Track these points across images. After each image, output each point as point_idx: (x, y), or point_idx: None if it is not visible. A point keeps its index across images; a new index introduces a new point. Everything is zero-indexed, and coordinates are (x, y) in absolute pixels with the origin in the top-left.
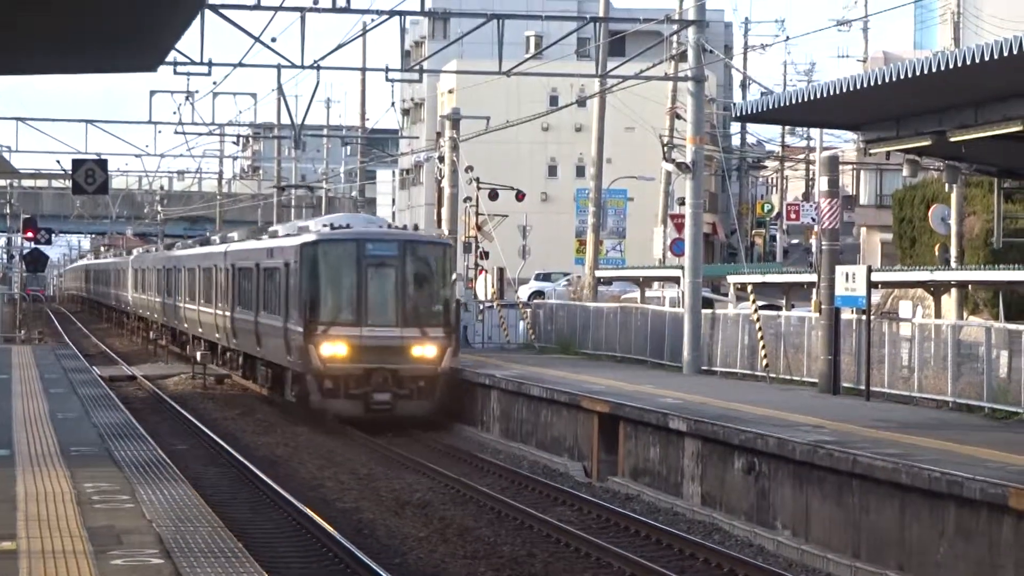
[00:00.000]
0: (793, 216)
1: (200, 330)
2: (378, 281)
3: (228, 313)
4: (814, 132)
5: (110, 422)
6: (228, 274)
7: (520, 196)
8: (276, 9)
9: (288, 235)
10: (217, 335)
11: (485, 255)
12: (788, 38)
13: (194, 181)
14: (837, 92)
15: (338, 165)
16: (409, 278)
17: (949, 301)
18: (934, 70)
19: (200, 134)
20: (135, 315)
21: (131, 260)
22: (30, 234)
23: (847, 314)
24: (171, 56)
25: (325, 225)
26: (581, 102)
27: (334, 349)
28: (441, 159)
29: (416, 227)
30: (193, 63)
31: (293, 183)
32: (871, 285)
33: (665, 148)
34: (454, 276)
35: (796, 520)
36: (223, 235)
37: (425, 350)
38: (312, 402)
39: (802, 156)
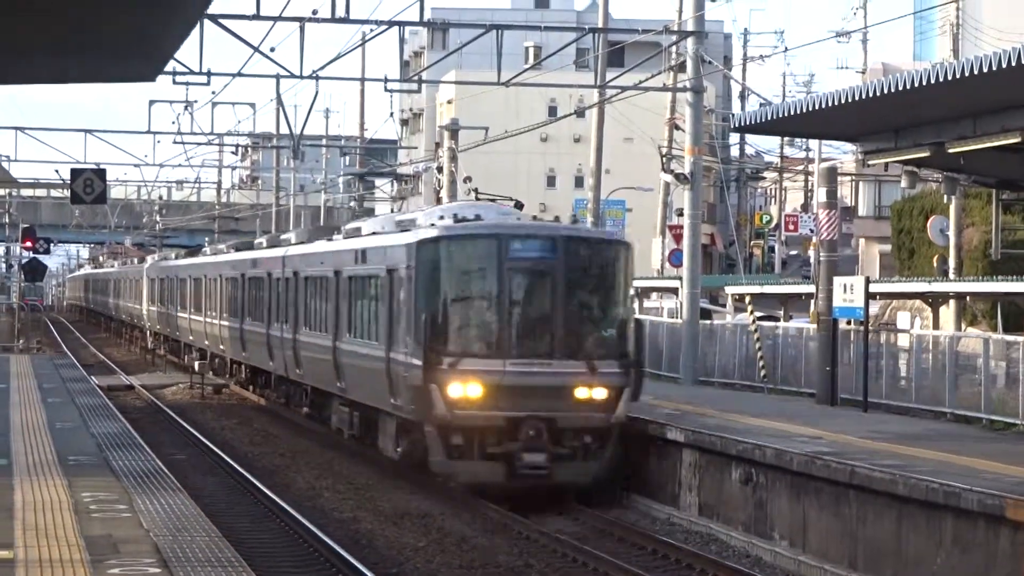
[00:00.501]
0: (791, 227)
1: (244, 354)
2: (528, 295)
3: (288, 335)
4: (813, 143)
5: (108, 431)
6: (288, 285)
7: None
8: (275, 19)
9: (386, 231)
10: (272, 363)
11: None
12: (787, 49)
13: (193, 191)
14: (836, 103)
15: (337, 175)
16: (572, 290)
17: (947, 312)
18: (933, 82)
19: (199, 144)
20: (152, 332)
21: (146, 268)
22: (29, 244)
23: (845, 325)
24: (170, 66)
25: (443, 216)
26: (580, 113)
27: (466, 391)
28: (440, 169)
29: (574, 219)
30: (192, 73)
31: (343, 177)
32: (869, 296)
33: (664, 159)
34: (632, 288)
35: (793, 531)
36: (273, 237)
37: (594, 392)
38: (433, 464)
39: (801, 167)
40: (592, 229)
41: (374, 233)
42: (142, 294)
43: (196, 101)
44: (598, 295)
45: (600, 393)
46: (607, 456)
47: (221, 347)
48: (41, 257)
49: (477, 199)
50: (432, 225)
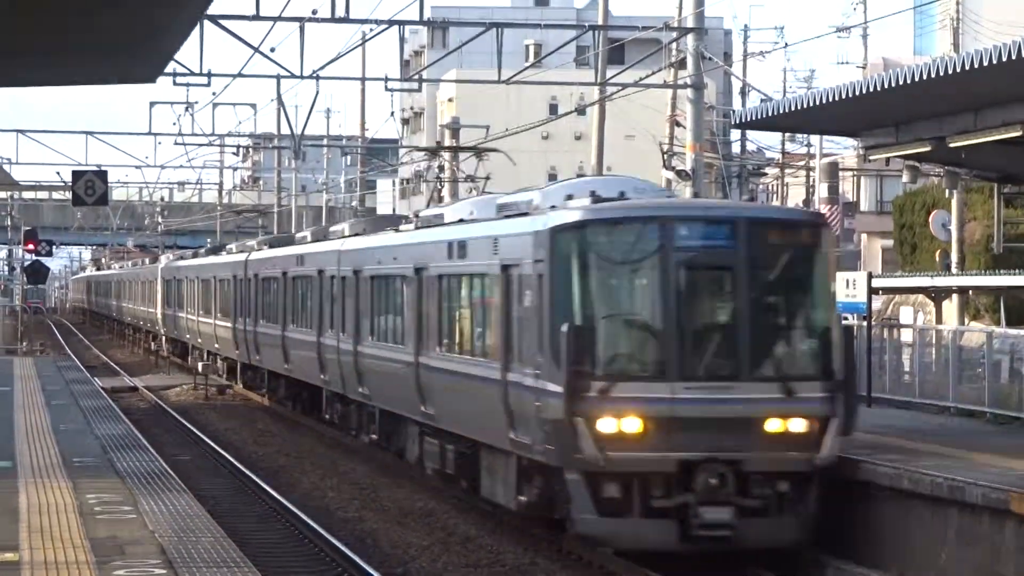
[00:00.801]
0: None
1: (287, 366)
2: (702, 296)
3: (347, 346)
4: (814, 139)
5: (112, 433)
6: (347, 285)
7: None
8: (275, 19)
9: (485, 218)
10: (324, 377)
11: None
12: (787, 45)
13: (194, 192)
14: (837, 99)
15: (338, 175)
16: (760, 289)
17: (950, 307)
18: (933, 76)
19: (200, 145)
20: (167, 338)
21: (160, 269)
22: (31, 246)
23: (848, 320)
24: (170, 67)
25: (571, 195)
26: (581, 110)
27: (622, 425)
28: (441, 168)
29: (751, 197)
30: (192, 74)
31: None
32: (872, 291)
33: (665, 156)
34: (834, 285)
35: None
36: (320, 229)
37: (792, 424)
38: (578, 522)
39: (802, 163)
40: (781, 208)
41: (461, 221)
42: (155, 297)
43: (197, 102)
44: (794, 294)
45: (800, 425)
46: (810, 509)
47: (257, 357)
48: (43, 259)
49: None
50: (576, 206)
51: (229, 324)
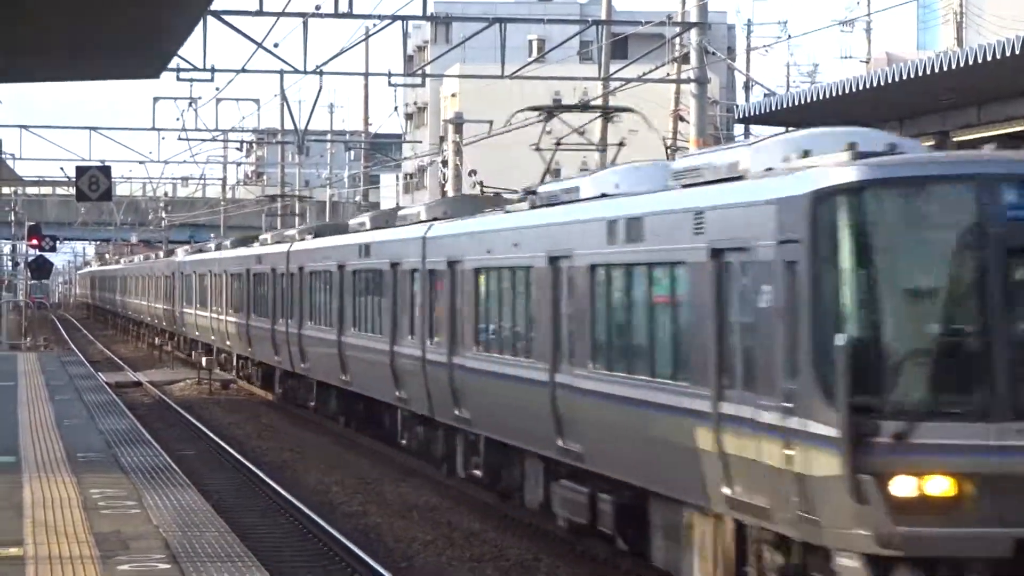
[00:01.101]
0: None
1: (344, 377)
2: None
3: (438, 357)
4: None
5: (116, 428)
6: (434, 281)
7: None
8: (279, 15)
9: (646, 191)
10: (401, 393)
11: None
12: (790, 37)
13: (198, 187)
14: (840, 93)
15: (342, 170)
16: None
17: None
18: (937, 70)
19: (204, 140)
20: (186, 339)
21: (177, 262)
22: (34, 241)
23: None
24: (174, 62)
25: (806, 152)
26: (584, 105)
27: (927, 486)
28: (444, 163)
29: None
30: (196, 69)
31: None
32: None
33: (668, 151)
34: None
35: None
36: (384, 213)
37: None
38: None
39: None
40: None
41: (603, 195)
42: (171, 294)
43: (200, 98)
44: None
45: None
46: None
47: (303, 365)
48: (47, 255)
49: (482, 192)
50: (770, 169)
51: (266, 325)
